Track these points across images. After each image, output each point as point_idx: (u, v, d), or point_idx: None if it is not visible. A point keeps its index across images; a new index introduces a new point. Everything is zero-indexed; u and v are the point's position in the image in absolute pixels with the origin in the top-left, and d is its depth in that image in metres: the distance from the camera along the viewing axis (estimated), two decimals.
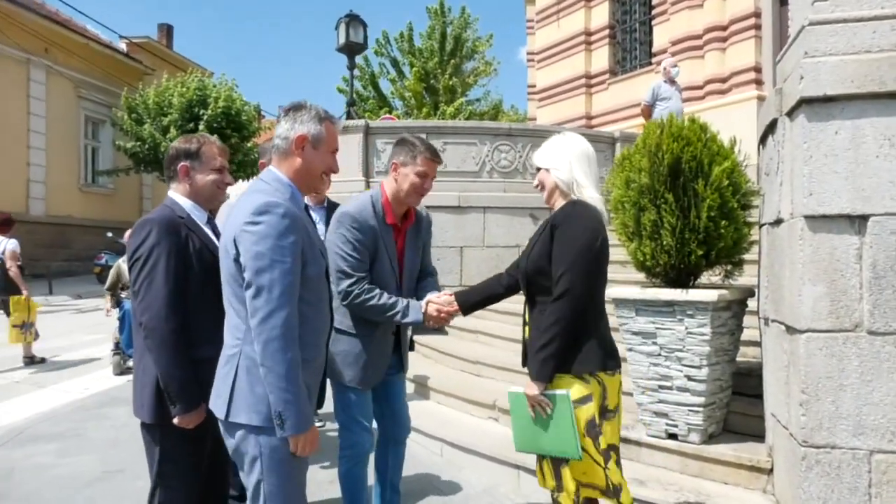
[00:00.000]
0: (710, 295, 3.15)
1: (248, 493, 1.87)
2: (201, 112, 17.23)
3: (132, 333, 6.52)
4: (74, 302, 12.99)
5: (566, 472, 2.16)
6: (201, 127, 16.75)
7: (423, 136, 7.85)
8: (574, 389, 2.12)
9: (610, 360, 2.22)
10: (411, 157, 2.64)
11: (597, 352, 2.16)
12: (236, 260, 1.81)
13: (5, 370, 6.66)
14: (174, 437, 2.16)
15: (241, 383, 1.82)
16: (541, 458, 2.26)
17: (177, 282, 2.12)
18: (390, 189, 2.71)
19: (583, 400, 2.13)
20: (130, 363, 6.48)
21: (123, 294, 6.67)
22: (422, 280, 2.91)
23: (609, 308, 5.36)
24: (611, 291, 3.56)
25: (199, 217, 2.30)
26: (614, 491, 2.15)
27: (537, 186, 2.35)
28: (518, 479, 3.55)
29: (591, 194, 2.21)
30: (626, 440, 3.56)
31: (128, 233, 7.06)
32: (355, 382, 2.64)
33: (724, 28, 11.75)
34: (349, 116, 10.79)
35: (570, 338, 2.08)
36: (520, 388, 2.24)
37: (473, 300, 2.65)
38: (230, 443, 1.89)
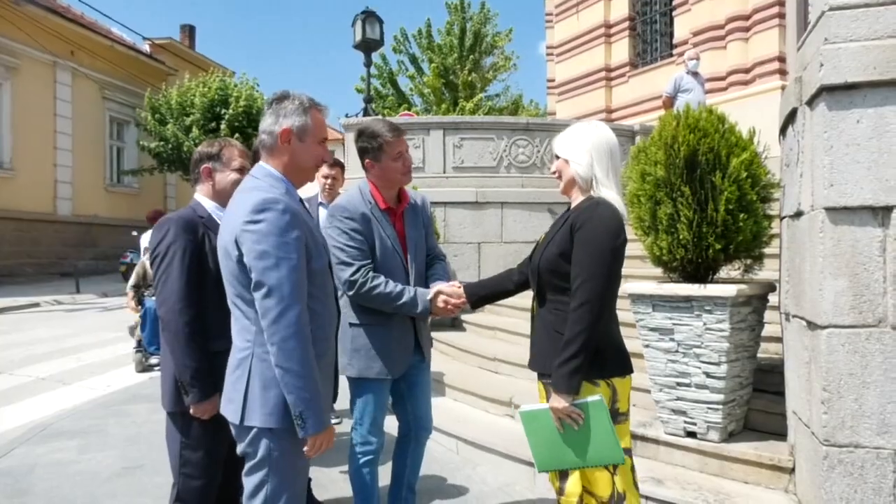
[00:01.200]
0: (729, 290, 3.08)
1: (246, 493, 1.85)
2: (223, 111, 17.44)
3: (154, 331, 6.63)
4: (101, 300, 13.23)
5: (573, 477, 2.11)
6: (223, 126, 16.96)
7: (441, 132, 7.90)
8: (583, 392, 2.05)
9: (623, 363, 2.16)
10: (379, 150, 2.60)
11: (610, 356, 2.10)
12: (240, 261, 1.77)
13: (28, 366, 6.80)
14: (194, 425, 2.26)
15: (254, 387, 1.79)
16: None
17: (190, 277, 2.22)
18: (375, 180, 2.69)
19: None
20: (153, 360, 6.58)
21: (146, 293, 6.76)
22: (431, 266, 2.84)
23: (625, 304, 5.27)
24: (627, 287, 3.50)
25: (221, 217, 2.32)
26: (617, 500, 2.09)
27: (555, 173, 2.24)
28: (534, 477, 3.51)
29: (609, 194, 2.09)
30: (643, 438, 3.51)
31: (146, 233, 7.19)
32: (384, 374, 2.61)
33: (747, 17, 11.52)
34: (366, 113, 10.80)
35: (593, 346, 2.01)
36: (532, 406, 2.13)
37: (482, 293, 2.61)
38: (240, 445, 1.87)
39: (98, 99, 19.15)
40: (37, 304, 12.11)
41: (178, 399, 2.25)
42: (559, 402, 1.99)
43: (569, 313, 2.00)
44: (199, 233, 2.29)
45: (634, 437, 3.55)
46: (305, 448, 1.80)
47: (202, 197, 2.43)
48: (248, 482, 1.84)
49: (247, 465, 1.85)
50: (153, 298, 6.77)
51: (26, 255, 15.67)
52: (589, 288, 1.97)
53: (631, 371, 2.20)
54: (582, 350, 1.96)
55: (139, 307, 6.65)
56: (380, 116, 8.81)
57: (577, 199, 2.18)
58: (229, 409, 1.85)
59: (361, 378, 2.64)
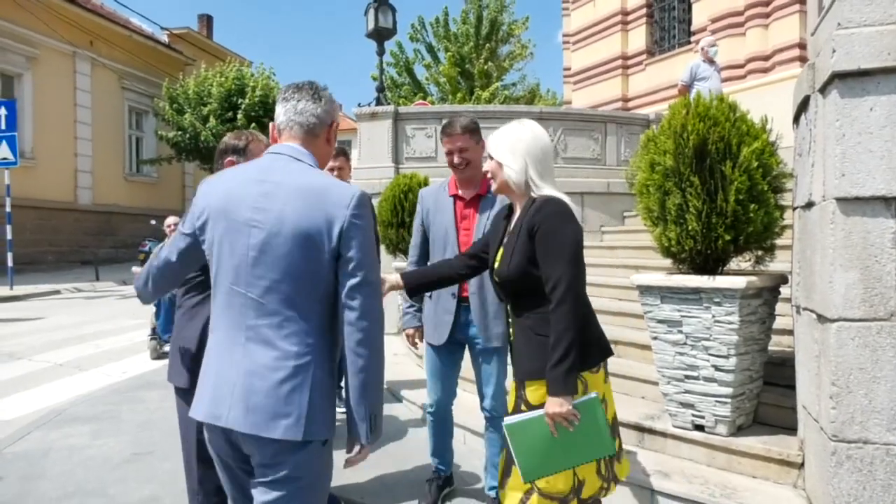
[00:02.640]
0: (739, 282, 3.02)
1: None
2: (239, 101, 17.56)
3: (168, 319, 6.71)
4: (119, 288, 13.43)
5: (514, 474, 2.06)
6: (239, 116, 17.07)
7: None
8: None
9: (593, 358, 2.10)
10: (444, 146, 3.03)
11: (585, 349, 2.04)
12: (333, 255, 1.59)
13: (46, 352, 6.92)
14: None
15: (315, 397, 1.59)
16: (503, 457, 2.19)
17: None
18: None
19: None
20: (167, 348, 6.66)
21: None
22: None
23: (633, 295, 5.22)
24: (635, 278, 3.46)
25: None
26: (575, 490, 2.06)
27: (486, 173, 2.22)
28: None
29: (550, 191, 2.09)
30: (650, 431, 3.48)
31: (169, 219, 7.25)
32: (430, 339, 3.08)
33: (767, 3, 11.26)
34: (378, 102, 10.77)
35: (580, 340, 1.97)
36: (518, 416, 2.06)
37: (423, 282, 2.51)
38: (268, 458, 1.59)
39: (117, 89, 19.36)
40: (57, 292, 12.33)
41: (183, 373, 2.20)
42: (559, 405, 1.93)
43: (550, 315, 1.97)
44: None
45: (641, 429, 3.54)
46: (353, 455, 1.67)
47: None
48: (267, 497, 1.60)
49: (275, 480, 1.60)
50: None
51: (47, 243, 15.93)
52: (564, 285, 1.96)
53: (603, 361, 2.16)
54: (571, 347, 1.93)
55: None
56: (391, 105, 8.78)
57: (517, 200, 2.19)
58: (279, 425, 1.55)
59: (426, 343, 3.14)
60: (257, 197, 1.63)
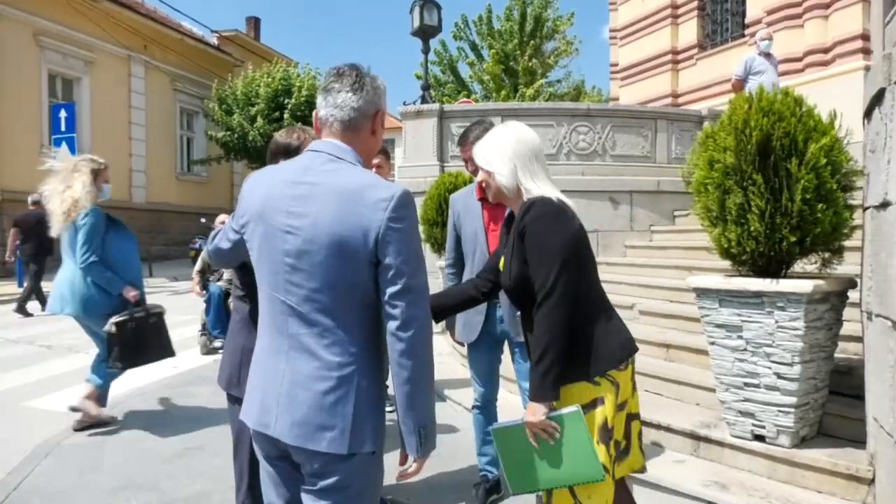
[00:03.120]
0: (805, 286, 2.87)
1: None
2: (286, 101, 17.85)
3: (218, 315, 6.84)
4: (171, 284, 13.81)
5: (562, 491, 1.94)
6: (286, 115, 17.35)
7: (499, 119, 7.77)
8: (583, 394, 1.90)
9: (619, 354, 1.97)
10: None
11: (604, 349, 1.93)
12: (371, 261, 1.49)
13: None
14: None
15: (360, 408, 1.51)
16: None
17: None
18: None
19: (594, 403, 1.90)
20: (216, 343, 6.80)
21: (211, 277, 6.97)
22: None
23: (685, 296, 5.05)
24: (692, 280, 3.33)
25: None
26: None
27: (481, 183, 2.15)
28: None
29: (544, 190, 1.99)
30: (706, 439, 3.36)
31: (220, 217, 7.39)
32: (459, 338, 3.18)
33: None
34: (423, 101, 10.77)
35: (567, 343, 1.86)
36: (505, 422, 2.01)
37: (447, 304, 2.35)
38: (318, 469, 1.54)
39: (169, 91, 19.93)
40: None
41: (233, 381, 2.18)
42: (534, 413, 1.85)
43: (535, 318, 1.90)
44: None
45: (696, 437, 3.41)
46: (405, 469, 1.60)
47: None
48: None
49: (324, 487, 1.55)
50: (218, 283, 7.02)
51: None
52: (546, 288, 1.86)
53: (630, 358, 2.01)
54: (548, 352, 1.82)
55: (203, 292, 6.87)
56: (437, 104, 8.75)
57: (513, 206, 2.09)
58: (324, 437, 1.49)
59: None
60: (293, 200, 1.54)
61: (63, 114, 12.31)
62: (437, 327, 6.83)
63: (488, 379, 3.17)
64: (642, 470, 2.11)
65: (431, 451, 1.58)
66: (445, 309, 2.33)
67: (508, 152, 2.02)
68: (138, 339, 4.05)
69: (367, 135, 1.66)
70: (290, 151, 2.18)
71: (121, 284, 4.07)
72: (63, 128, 12.26)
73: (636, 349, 2.05)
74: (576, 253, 1.92)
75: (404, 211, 1.50)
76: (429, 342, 1.55)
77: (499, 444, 1.98)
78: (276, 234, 1.54)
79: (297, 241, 1.51)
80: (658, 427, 3.62)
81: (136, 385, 5.50)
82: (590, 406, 1.90)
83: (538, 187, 2.00)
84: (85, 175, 4.04)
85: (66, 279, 4.05)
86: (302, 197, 1.52)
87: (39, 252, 9.69)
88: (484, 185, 2.13)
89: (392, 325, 1.50)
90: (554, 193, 1.99)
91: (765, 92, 3.06)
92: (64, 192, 3.99)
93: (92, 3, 15.95)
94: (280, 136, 2.29)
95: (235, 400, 2.19)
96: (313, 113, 1.71)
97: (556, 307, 1.84)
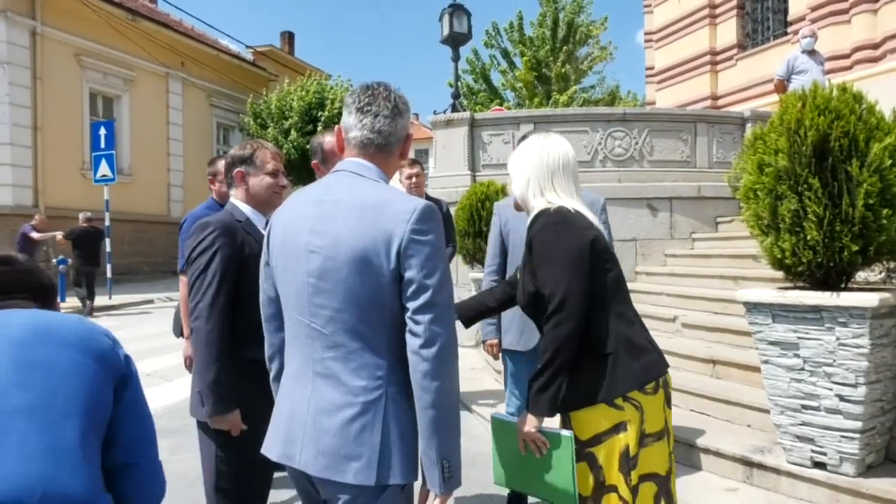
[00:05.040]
0: (869, 299, 2.61)
1: None
2: (319, 114, 18.01)
3: None
4: None
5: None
6: (319, 128, 17.50)
7: (531, 125, 7.58)
8: (604, 419, 1.78)
9: (645, 375, 1.81)
10: None
11: (626, 369, 1.78)
12: (395, 277, 1.42)
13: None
14: (221, 436, 2.15)
15: (391, 437, 1.42)
16: None
17: (221, 284, 2.12)
18: None
19: (616, 429, 1.77)
20: None
21: None
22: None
23: (732, 308, 4.77)
24: (742, 294, 3.10)
25: (258, 221, 2.31)
26: None
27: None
28: None
29: (558, 200, 1.93)
30: (760, 465, 3.10)
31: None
32: (510, 346, 3.03)
33: None
34: (454, 109, 10.65)
35: (574, 360, 1.77)
36: (505, 416, 2.02)
37: (472, 313, 2.34)
38: (344, 499, 1.44)
39: (206, 106, 20.29)
40: (151, 301, 12.94)
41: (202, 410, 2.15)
42: (526, 423, 1.83)
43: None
44: (238, 238, 2.21)
45: (749, 463, 3.16)
46: None
47: (237, 201, 2.35)
48: None
49: None
50: None
51: (143, 254, 16.82)
52: (554, 303, 1.78)
53: (659, 381, 1.84)
54: (551, 365, 1.78)
55: None
56: (467, 112, 8.62)
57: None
58: (350, 468, 1.40)
59: (504, 349, 3.10)
60: (316, 219, 1.49)
61: (103, 131, 12.60)
62: (470, 340, 6.65)
63: (514, 391, 3.09)
64: None
65: (456, 487, 1.43)
66: (476, 315, 2.35)
67: (525, 163, 2.02)
68: None
69: (396, 158, 1.64)
70: (244, 161, 2.30)
71: None
72: (102, 145, 12.54)
73: (664, 371, 1.88)
74: (585, 263, 1.82)
75: (427, 224, 1.43)
76: (454, 363, 1.43)
77: (494, 433, 2.01)
78: (299, 254, 1.50)
79: (319, 260, 1.46)
80: (706, 451, 3.37)
81: (165, 402, 5.47)
82: (611, 431, 1.78)
83: (546, 198, 1.95)
84: None
85: None
86: (325, 216, 1.49)
87: (89, 264, 10.75)
88: (512, 194, 2.14)
89: (414, 343, 1.40)
90: (571, 204, 1.92)
91: (820, 88, 2.82)
92: None
93: (131, 23, 16.35)
94: (233, 150, 2.38)
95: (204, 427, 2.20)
96: (336, 128, 1.67)
97: (562, 322, 1.77)
